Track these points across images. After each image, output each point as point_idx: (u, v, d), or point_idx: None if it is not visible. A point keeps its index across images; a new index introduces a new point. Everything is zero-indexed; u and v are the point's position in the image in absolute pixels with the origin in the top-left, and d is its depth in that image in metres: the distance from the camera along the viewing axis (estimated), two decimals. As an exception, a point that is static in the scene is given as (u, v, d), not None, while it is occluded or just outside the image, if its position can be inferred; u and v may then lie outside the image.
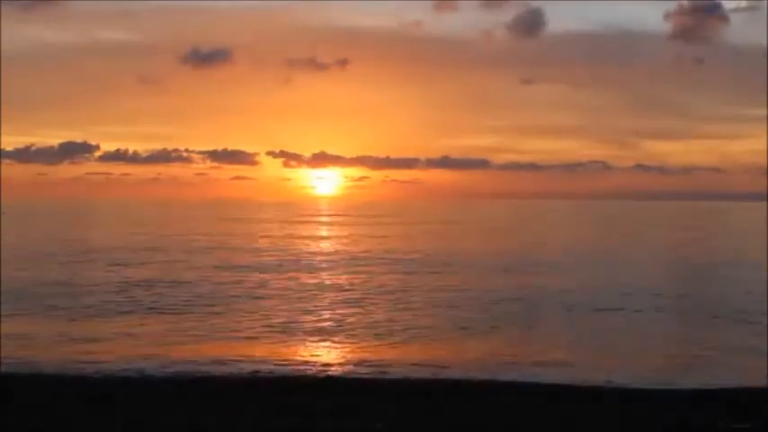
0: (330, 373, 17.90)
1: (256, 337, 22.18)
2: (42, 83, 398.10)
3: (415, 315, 26.43)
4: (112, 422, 12.25)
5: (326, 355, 20.19)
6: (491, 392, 15.59)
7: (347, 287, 34.26)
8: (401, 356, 19.81)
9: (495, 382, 17.08)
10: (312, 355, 20.01)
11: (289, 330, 23.39)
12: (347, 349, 20.82)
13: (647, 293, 32.30)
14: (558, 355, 20.08)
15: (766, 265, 41.40)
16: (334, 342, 21.82)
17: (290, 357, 19.67)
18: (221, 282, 35.60)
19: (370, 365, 18.79)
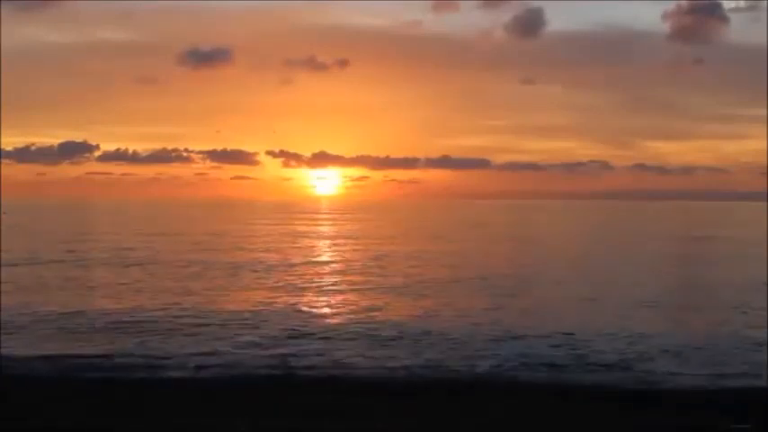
0: (330, 372, 17.88)
1: (256, 337, 22.17)
2: (42, 83, 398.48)
3: (414, 313, 26.46)
4: (112, 422, 12.25)
5: (327, 353, 20.13)
6: (492, 392, 15.59)
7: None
8: (402, 356, 19.79)
9: (497, 381, 17.09)
10: (312, 355, 19.98)
11: (288, 329, 23.37)
12: (347, 347, 20.79)
13: (649, 290, 32.29)
14: (555, 355, 20.03)
15: (766, 264, 41.37)
16: (334, 340, 21.80)
17: (290, 357, 19.65)
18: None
19: (370, 365, 18.79)
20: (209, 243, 62.05)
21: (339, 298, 30.73)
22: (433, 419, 12.98)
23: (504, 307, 28.43)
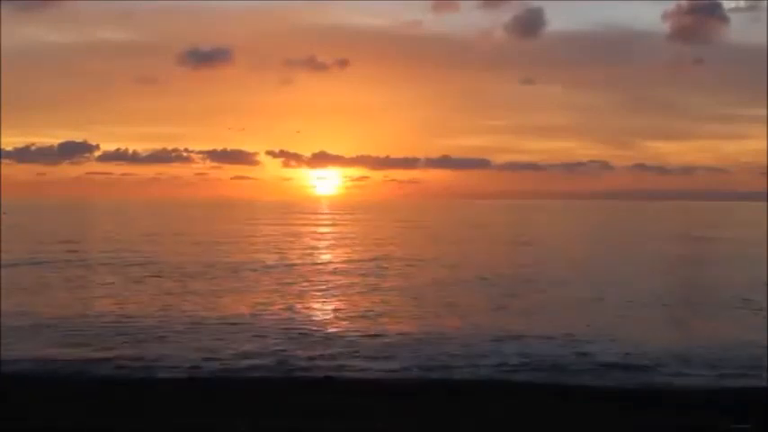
0: (330, 373, 17.89)
1: (256, 337, 22.18)
2: (42, 83, 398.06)
3: (414, 313, 26.48)
4: (112, 422, 12.25)
5: (326, 354, 20.13)
6: (492, 392, 15.59)
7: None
8: (402, 356, 19.79)
9: (497, 381, 17.09)
10: (312, 355, 19.98)
11: (287, 330, 23.38)
12: (347, 347, 20.80)
13: (649, 291, 32.29)
14: (555, 354, 20.02)
15: (766, 264, 41.38)
16: (334, 341, 21.82)
17: (290, 357, 19.66)
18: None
19: (370, 365, 18.80)
20: (210, 243, 62.09)
21: (339, 298, 30.73)
22: (433, 419, 12.98)
23: (505, 307, 28.44)
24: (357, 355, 19.96)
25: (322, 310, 27.85)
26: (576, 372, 18.22)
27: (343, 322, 24.98)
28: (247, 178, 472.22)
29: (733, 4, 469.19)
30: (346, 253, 54.46)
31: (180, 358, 19.17)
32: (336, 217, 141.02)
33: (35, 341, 21.11)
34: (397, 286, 34.45)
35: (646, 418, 13.20)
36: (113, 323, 23.96)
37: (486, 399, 14.82)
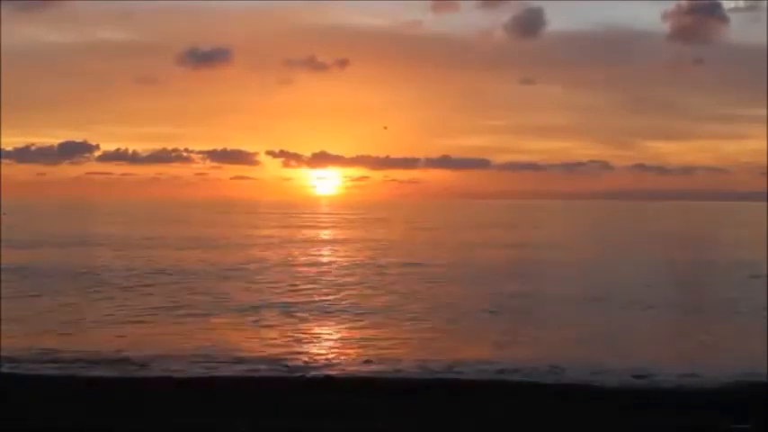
0: (330, 373, 17.90)
1: (256, 338, 22.19)
2: (42, 83, 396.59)
3: (415, 314, 26.49)
4: (112, 422, 12.25)
5: (326, 354, 20.16)
6: (492, 392, 15.60)
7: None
8: (402, 356, 19.80)
9: (497, 382, 17.09)
10: (312, 355, 20.00)
11: (287, 330, 23.39)
12: (348, 348, 20.82)
13: (649, 291, 32.29)
14: (555, 355, 20.03)
15: (766, 264, 41.36)
16: (334, 341, 21.84)
17: (290, 357, 19.67)
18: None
19: (369, 366, 18.81)
20: (211, 244, 62.09)
21: (339, 299, 30.74)
22: (433, 419, 12.98)
23: (505, 308, 28.45)
24: (357, 355, 19.97)
25: (322, 309, 27.84)
26: (576, 372, 18.21)
27: (344, 322, 25.00)
28: (247, 178, 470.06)
29: (733, 4, 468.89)
30: (347, 253, 54.46)
31: (180, 359, 19.17)
32: (337, 217, 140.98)
33: (35, 342, 21.10)
34: (398, 287, 34.44)
35: (646, 418, 13.20)
36: (113, 324, 23.98)
37: (486, 399, 14.81)
